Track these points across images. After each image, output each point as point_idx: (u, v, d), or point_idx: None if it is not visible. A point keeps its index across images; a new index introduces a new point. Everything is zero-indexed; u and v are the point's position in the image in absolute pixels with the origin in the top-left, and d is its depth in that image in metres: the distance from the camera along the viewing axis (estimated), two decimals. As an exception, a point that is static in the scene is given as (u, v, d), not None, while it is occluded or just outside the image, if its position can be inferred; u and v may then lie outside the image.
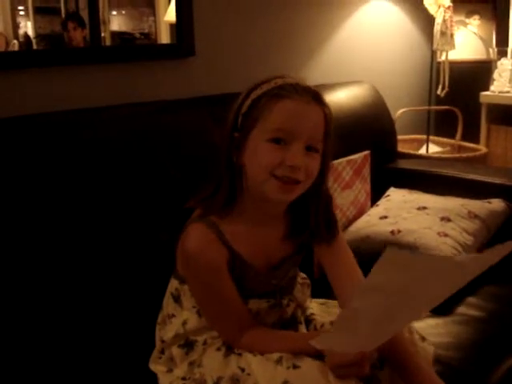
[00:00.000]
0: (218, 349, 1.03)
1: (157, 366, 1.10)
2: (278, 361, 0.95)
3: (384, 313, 0.78)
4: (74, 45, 1.56)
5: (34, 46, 1.52)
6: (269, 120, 0.96)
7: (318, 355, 0.93)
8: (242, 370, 0.97)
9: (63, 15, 1.54)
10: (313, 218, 1.05)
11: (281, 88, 0.97)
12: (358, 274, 1.06)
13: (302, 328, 1.13)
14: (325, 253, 1.08)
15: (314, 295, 1.23)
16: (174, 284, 1.09)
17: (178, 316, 1.08)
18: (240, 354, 1.00)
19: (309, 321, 1.16)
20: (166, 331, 1.09)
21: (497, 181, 1.76)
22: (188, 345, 1.06)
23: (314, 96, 0.98)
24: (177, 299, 1.08)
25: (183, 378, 1.04)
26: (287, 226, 1.08)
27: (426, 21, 2.48)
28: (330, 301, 1.21)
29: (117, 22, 1.69)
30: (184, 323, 1.06)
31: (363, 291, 0.75)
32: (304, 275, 1.21)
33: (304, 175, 0.96)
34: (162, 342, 1.09)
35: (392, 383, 0.98)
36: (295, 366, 0.93)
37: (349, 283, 1.04)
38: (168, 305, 1.10)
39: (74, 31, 1.54)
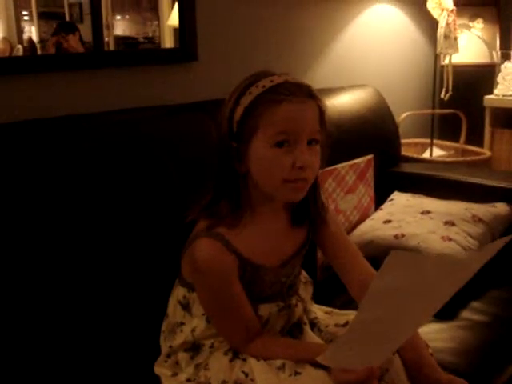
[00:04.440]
0: (225, 353, 1.03)
1: (162, 370, 1.10)
2: (281, 368, 0.95)
3: (392, 319, 0.77)
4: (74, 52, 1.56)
5: (39, 51, 1.52)
6: (270, 127, 0.96)
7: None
8: (246, 374, 0.97)
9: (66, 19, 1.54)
10: (312, 202, 1.07)
11: (273, 91, 0.96)
12: (352, 243, 1.16)
13: (307, 329, 1.13)
14: (323, 232, 1.13)
15: (317, 298, 1.23)
16: (181, 292, 1.08)
17: (188, 324, 1.07)
18: (245, 359, 1.00)
19: (313, 324, 1.16)
20: (175, 339, 1.08)
21: (501, 184, 1.75)
22: (194, 348, 1.06)
23: (307, 92, 0.99)
24: (185, 307, 1.07)
25: (188, 380, 1.05)
26: (289, 215, 1.10)
27: (429, 24, 2.49)
28: (335, 310, 1.21)
29: (121, 26, 1.69)
30: (193, 330, 1.06)
31: (371, 299, 0.74)
32: (306, 274, 1.22)
33: (311, 172, 0.99)
34: (170, 347, 1.09)
35: None
36: (296, 373, 0.93)
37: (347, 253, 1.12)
38: (175, 313, 1.09)
39: (68, 42, 1.54)
